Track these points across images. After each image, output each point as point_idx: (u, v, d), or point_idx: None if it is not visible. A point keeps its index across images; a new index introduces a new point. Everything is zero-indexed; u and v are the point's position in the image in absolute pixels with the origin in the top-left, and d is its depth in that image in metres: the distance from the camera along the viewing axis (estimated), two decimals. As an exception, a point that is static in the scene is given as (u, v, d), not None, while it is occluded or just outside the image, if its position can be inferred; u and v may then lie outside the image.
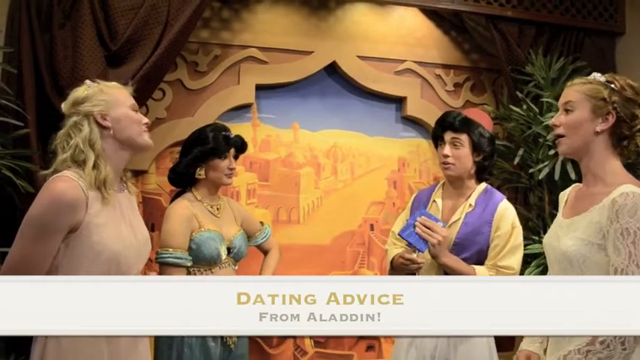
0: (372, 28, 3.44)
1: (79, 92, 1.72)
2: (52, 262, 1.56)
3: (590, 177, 1.70)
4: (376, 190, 3.50)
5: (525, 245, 2.97)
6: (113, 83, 1.79)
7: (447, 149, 2.23)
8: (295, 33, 3.30)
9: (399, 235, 2.19)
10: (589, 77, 1.70)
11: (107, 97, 1.70)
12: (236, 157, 2.45)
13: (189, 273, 2.27)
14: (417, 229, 2.12)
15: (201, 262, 2.26)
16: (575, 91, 1.69)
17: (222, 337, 2.25)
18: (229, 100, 3.19)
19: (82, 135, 1.64)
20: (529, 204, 3.34)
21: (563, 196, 1.86)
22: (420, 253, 2.16)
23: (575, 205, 1.73)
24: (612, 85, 1.65)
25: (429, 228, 2.11)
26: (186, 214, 2.28)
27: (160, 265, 2.24)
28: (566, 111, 1.70)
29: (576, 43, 3.44)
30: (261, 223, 2.66)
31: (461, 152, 2.22)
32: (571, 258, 1.63)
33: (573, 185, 1.85)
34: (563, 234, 1.69)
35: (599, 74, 1.69)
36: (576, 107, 1.67)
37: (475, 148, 2.23)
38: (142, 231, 1.78)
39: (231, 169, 2.38)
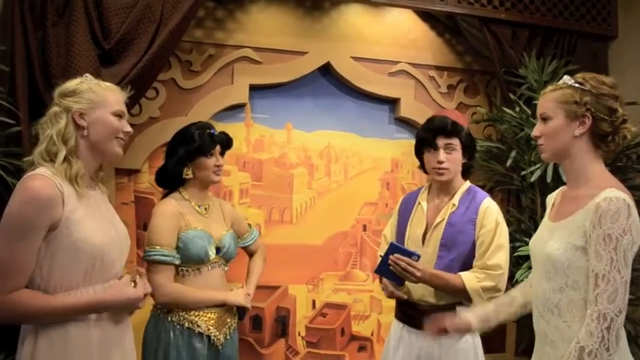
0: (366, 29, 3.45)
1: (70, 84, 1.72)
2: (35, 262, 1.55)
3: (573, 180, 1.71)
4: (369, 190, 3.51)
5: (517, 247, 3.01)
6: (108, 85, 1.77)
7: (443, 155, 2.24)
8: (289, 33, 3.30)
9: (375, 272, 2.20)
10: (559, 82, 1.70)
11: (94, 96, 1.69)
12: (222, 154, 2.43)
13: (177, 272, 2.26)
14: (391, 267, 2.11)
15: (189, 260, 2.25)
16: (547, 99, 1.70)
17: (209, 338, 2.24)
18: (223, 99, 3.19)
19: (56, 128, 1.65)
20: (521, 206, 3.35)
21: (550, 199, 1.86)
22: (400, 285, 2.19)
23: (560, 209, 1.74)
24: (583, 87, 1.64)
25: (403, 268, 2.09)
26: (172, 211, 2.27)
27: (147, 263, 2.23)
28: (544, 120, 1.71)
29: (569, 46, 3.46)
30: (249, 225, 2.65)
31: (454, 156, 2.25)
32: (555, 262, 1.63)
33: (560, 188, 1.85)
34: (549, 237, 1.69)
35: (568, 77, 1.69)
36: (551, 116, 1.68)
37: (465, 150, 2.26)
38: (121, 226, 1.78)
39: (218, 167, 2.36)
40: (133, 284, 1.67)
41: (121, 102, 1.75)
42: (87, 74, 1.79)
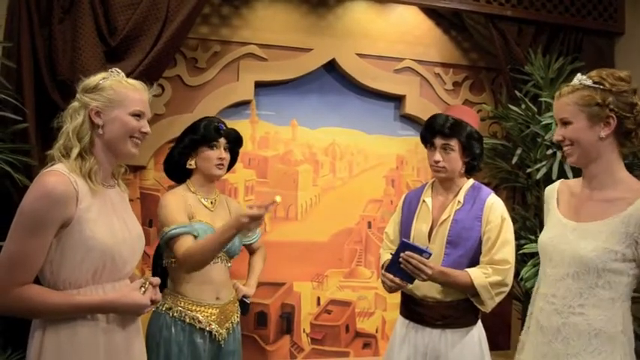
0: (372, 25, 3.44)
1: (93, 79, 1.70)
2: (45, 258, 1.55)
3: (596, 182, 1.66)
4: (374, 187, 3.51)
5: (522, 245, 3.00)
6: (132, 82, 1.73)
7: (438, 155, 2.25)
8: (294, 30, 3.30)
9: (385, 271, 2.17)
10: (574, 82, 1.63)
11: (113, 95, 1.67)
12: (233, 151, 2.45)
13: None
14: (402, 265, 2.08)
15: None
16: (565, 103, 1.63)
17: (210, 334, 2.25)
18: (228, 96, 3.20)
19: (73, 124, 1.64)
20: (527, 203, 3.35)
21: (552, 192, 1.82)
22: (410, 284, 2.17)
23: (583, 209, 1.69)
24: (602, 86, 1.58)
25: (414, 266, 2.05)
26: (180, 198, 2.30)
27: (166, 243, 2.21)
28: (564, 124, 1.64)
29: (575, 43, 3.45)
30: None
31: (451, 156, 2.25)
32: (588, 263, 1.59)
33: (560, 181, 1.81)
34: (577, 237, 1.64)
35: (584, 77, 1.62)
36: (572, 120, 1.62)
37: (464, 150, 2.26)
38: (136, 226, 1.77)
39: (221, 160, 2.37)
40: (142, 290, 1.66)
41: (142, 101, 1.72)
42: (114, 69, 1.75)
